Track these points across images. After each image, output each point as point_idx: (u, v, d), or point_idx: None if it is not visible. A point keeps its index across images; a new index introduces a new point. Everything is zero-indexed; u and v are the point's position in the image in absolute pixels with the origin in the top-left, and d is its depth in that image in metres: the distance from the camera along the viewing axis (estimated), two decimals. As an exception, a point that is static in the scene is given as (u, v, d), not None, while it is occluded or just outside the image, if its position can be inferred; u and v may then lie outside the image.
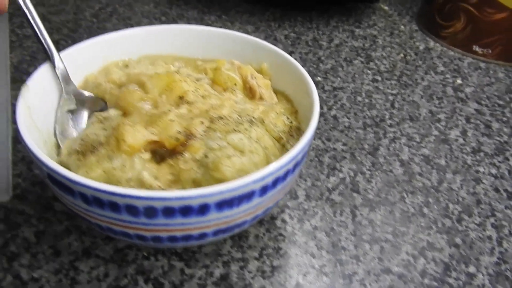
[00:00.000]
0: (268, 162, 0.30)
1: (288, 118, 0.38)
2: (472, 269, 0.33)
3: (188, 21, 0.65)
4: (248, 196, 0.26)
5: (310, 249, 0.33)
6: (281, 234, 0.34)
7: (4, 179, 0.37)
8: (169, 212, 0.24)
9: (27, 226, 0.34)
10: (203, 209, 0.25)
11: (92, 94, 0.35)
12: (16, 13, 0.65)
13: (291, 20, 0.66)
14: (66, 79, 0.34)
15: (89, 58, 0.37)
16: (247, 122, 0.32)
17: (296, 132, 0.36)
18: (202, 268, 0.32)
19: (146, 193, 0.24)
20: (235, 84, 0.37)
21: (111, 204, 0.24)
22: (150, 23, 0.63)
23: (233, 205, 0.25)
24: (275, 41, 0.61)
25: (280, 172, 0.26)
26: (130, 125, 0.29)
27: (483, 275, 0.33)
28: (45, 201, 0.36)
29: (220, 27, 0.64)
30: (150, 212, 0.24)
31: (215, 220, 0.26)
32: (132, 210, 0.24)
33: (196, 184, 0.28)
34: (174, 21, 0.65)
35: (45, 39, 0.33)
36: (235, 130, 0.30)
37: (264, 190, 0.26)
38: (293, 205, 0.37)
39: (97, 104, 0.35)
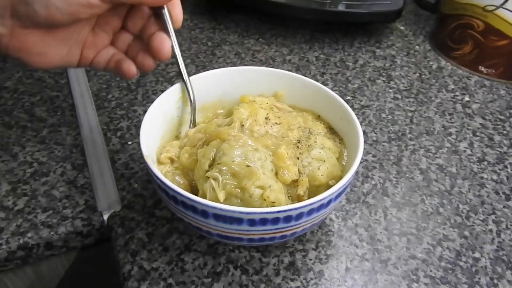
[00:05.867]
0: (336, 159, 0.42)
1: (317, 121, 0.48)
2: (477, 254, 0.44)
3: (231, 45, 0.75)
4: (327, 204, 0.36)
5: (354, 241, 0.44)
6: (330, 230, 0.45)
7: (114, 194, 0.48)
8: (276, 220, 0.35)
9: (139, 229, 0.45)
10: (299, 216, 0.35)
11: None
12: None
13: (320, 42, 0.77)
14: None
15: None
16: (311, 135, 0.43)
17: (330, 129, 0.47)
18: (274, 257, 0.43)
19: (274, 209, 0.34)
20: (267, 103, 0.46)
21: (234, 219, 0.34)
22: (199, 48, 0.74)
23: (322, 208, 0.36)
24: (307, 63, 0.71)
25: (347, 184, 0.37)
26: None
27: (485, 259, 0.43)
28: (148, 209, 0.46)
29: (259, 50, 0.75)
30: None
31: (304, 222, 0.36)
32: (252, 222, 0.34)
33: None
34: (219, 45, 0.75)
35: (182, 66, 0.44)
36: (311, 146, 0.41)
37: (338, 196, 0.37)
38: (337, 207, 0.48)
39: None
